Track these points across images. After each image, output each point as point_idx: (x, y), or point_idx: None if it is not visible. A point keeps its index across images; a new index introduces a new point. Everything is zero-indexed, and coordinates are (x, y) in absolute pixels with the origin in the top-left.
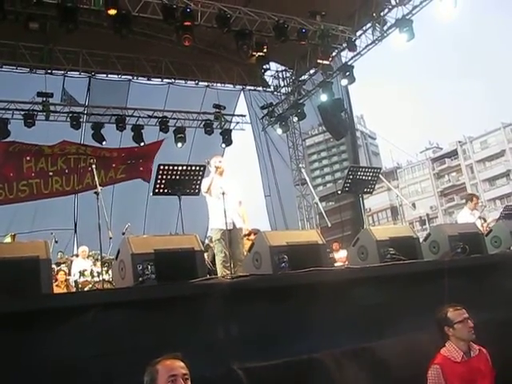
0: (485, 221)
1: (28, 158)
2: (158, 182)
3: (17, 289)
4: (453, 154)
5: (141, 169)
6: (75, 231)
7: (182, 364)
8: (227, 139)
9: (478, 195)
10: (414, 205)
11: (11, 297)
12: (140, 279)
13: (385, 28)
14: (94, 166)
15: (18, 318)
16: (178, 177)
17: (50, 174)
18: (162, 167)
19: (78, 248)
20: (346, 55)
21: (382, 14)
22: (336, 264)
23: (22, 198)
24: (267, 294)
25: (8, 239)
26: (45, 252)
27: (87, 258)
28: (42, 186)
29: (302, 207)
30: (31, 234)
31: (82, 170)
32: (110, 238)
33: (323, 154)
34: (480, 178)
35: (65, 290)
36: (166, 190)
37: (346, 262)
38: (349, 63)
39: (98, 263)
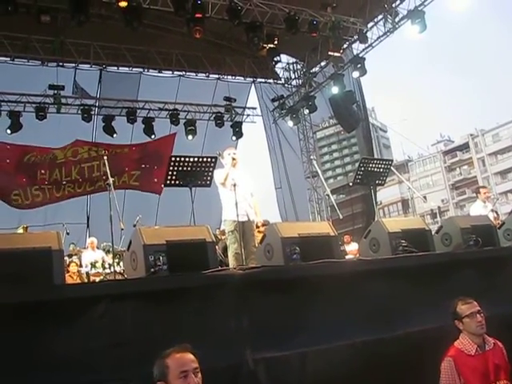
0: (497, 214)
1: (43, 171)
2: (170, 173)
3: (29, 279)
4: (464, 147)
5: (155, 180)
6: (87, 225)
7: (192, 357)
8: (238, 132)
9: (485, 186)
10: (425, 197)
11: (24, 287)
12: (152, 270)
13: (396, 19)
14: (105, 158)
15: (30, 309)
16: (189, 168)
17: (64, 183)
18: (173, 158)
19: None
20: (357, 47)
21: (393, 5)
22: (347, 257)
23: (38, 202)
24: (279, 286)
25: (20, 231)
26: (57, 243)
27: (96, 248)
28: (54, 191)
29: (312, 200)
30: (43, 227)
31: (95, 178)
32: (122, 229)
33: (334, 147)
34: (492, 171)
35: (77, 281)
36: (177, 182)
37: (357, 255)
38: (360, 55)
39: (110, 254)
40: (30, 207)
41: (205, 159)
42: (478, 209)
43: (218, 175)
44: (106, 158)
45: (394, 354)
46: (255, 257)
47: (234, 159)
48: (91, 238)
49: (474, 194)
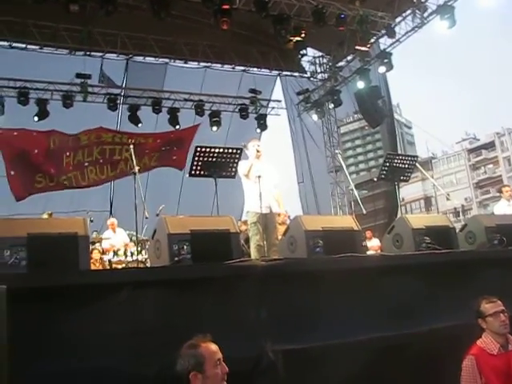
0: None
1: (67, 154)
2: (195, 163)
3: (55, 264)
4: (490, 146)
5: (174, 157)
6: (110, 212)
7: (217, 346)
8: (262, 124)
9: (509, 185)
10: (448, 195)
11: (50, 271)
12: (176, 259)
13: (425, 15)
14: (131, 147)
15: (55, 293)
16: (214, 159)
17: (86, 164)
18: (199, 149)
19: None
20: (384, 42)
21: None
22: (368, 252)
23: (65, 185)
24: (301, 278)
25: (45, 217)
26: (83, 229)
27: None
28: (79, 178)
29: (335, 194)
30: (67, 213)
31: (115, 161)
32: (146, 218)
33: (357, 142)
34: None
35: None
36: (202, 172)
37: (378, 251)
38: (387, 50)
39: (126, 235)
40: (53, 189)
41: (230, 150)
42: (502, 208)
43: (242, 167)
44: (132, 146)
45: (415, 350)
46: (277, 249)
47: (258, 151)
48: (111, 218)
49: (498, 194)
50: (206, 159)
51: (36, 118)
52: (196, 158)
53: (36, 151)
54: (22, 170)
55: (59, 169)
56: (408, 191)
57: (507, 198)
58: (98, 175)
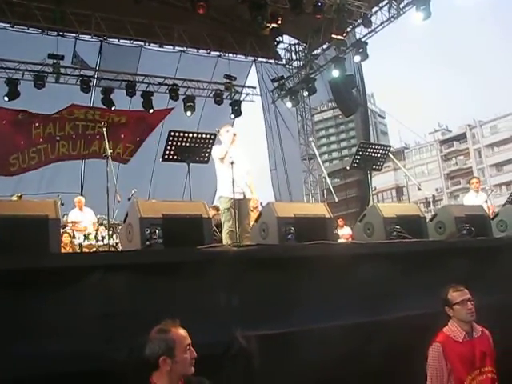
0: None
1: (37, 125)
2: (168, 148)
3: (25, 247)
4: (462, 138)
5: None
6: (81, 194)
7: (185, 331)
8: (237, 110)
9: (477, 177)
10: (419, 185)
11: (20, 254)
12: (147, 243)
13: (401, 5)
14: (104, 130)
15: (25, 276)
16: (188, 144)
17: (57, 138)
18: (172, 133)
19: None
20: (360, 31)
21: None
22: (339, 240)
23: (33, 165)
24: (272, 265)
25: (14, 199)
26: (54, 212)
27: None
28: (49, 151)
29: (307, 182)
30: (37, 195)
31: (89, 136)
32: (118, 202)
33: (331, 131)
34: (487, 162)
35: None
36: (175, 157)
37: (349, 239)
38: (363, 39)
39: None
40: (25, 170)
41: (204, 135)
42: (470, 199)
43: (218, 151)
44: (105, 129)
45: (384, 337)
46: (249, 235)
47: (234, 135)
48: (78, 196)
49: (468, 185)
50: (179, 144)
51: (6, 98)
52: (169, 143)
53: (4, 122)
54: None
55: (28, 141)
56: (380, 180)
57: (475, 189)
58: (69, 151)
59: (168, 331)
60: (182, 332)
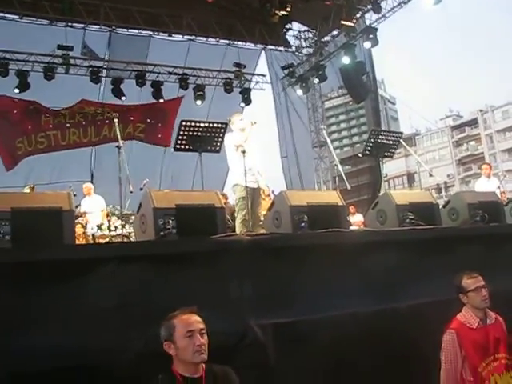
0: (504, 191)
1: (47, 115)
2: (180, 138)
3: (40, 239)
4: (473, 123)
5: (159, 135)
6: (91, 182)
7: (198, 319)
8: (246, 98)
9: (487, 163)
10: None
11: (34, 246)
12: (161, 233)
13: None
14: (116, 120)
15: (40, 267)
16: (199, 133)
17: (68, 125)
18: (184, 123)
19: None
20: (370, 17)
21: None
22: (351, 227)
23: (41, 149)
24: (286, 253)
25: (27, 190)
26: (68, 203)
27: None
28: (59, 137)
29: (319, 169)
30: (49, 185)
31: (99, 122)
32: (131, 192)
33: (342, 118)
34: (499, 148)
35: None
36: (187, 147)
37: (361, 226)
38: (373, 25)
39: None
40: (31, 154)
41: (215, 125)
42: (482, 184)
43: (235, 139)
44: (116, 120)
45: (397, 325)
46: (262, 224)
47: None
48: (86, 183)
49: (480, 170)
50: (191, 133)
51: (17, 90)
52: (181, 133)
53: (15, 111)
54: (4, 136)
55: (37, 126)
56: (391, 167)
57: (486, 175)
58: (80, 138)
59: (172, 317)
60: (186, 317)
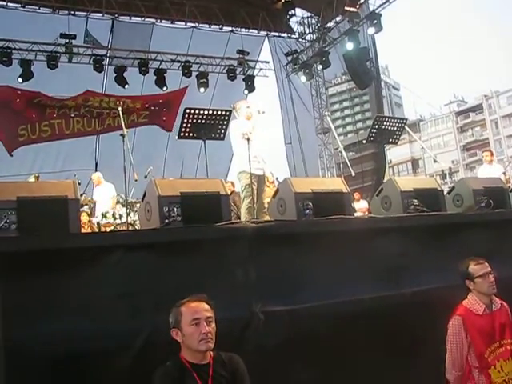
0: (508, 177)
1: (52, 108)
2: (184, 125)
3: (45, 227)
4: (478, 108)
5: (164, 118)
6: (96, 170)
7: (206, 307)
8: (250, 85)
9: (488, 149)
10: (435, 157)
11: (40, 235)
12: (166, 221)
13: None
14: (119, 109)
15: (46, 256)
16: (203, 121)
17: (72, 115)
18: (188, 111)
19: None
20: (374, 3)
21: None
22: (356, 214)
23: (45, 137)
24: (291, 240)
25: (32, 179)
26: (73, 192)
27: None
28: (63, 126)
29: (323, 156)
30: (54, 174)
31: (103, 115)
32: (136, 181)
33: (345, 104)
34: (504, 133)
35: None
36: (191, 134)
37: (366, 213)
38: (376, 11)
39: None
40: (34, 141)
41: (220, 112)
42: (484, 171)
43: (245, 126)
44: (120, 109)
45: (402, 311)
46: (267, 211)
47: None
48: (95, 173)
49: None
50: (195, 121)
51: (20, 80)
52: (185, 120)
53: (18, 100)
54: (4, 122)
55: (41, 116)
56: (395, 153)
57: (488, 162)
58: (84, 127)
59: (181, 305)
60: (194, 305)
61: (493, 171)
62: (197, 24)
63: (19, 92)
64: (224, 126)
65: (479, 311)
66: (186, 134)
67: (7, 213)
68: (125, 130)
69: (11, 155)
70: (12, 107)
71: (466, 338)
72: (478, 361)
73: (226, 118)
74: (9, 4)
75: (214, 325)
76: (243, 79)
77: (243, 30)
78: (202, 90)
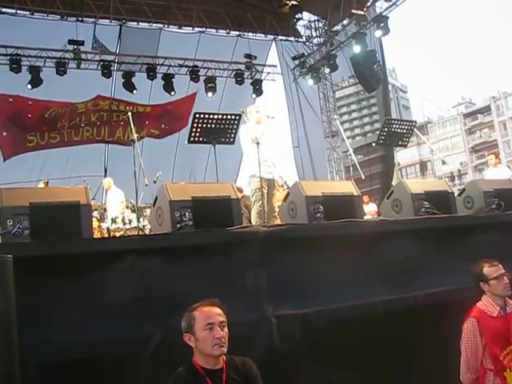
0: None
1: (63, 121)
2: (194, 130)
3: (58, 233)
4: (486, 110)
5: (161, 126)
6: (105, 176)
7: (219, 311)
8: (258, 89)
9: (493, 152)
10: (444, 159)
11: (53, 240)
12: (177, 226)
13: None
14: (129, 114)
15: (58, 261)
16: (213, 125)
17: (82, 125)
18: (197, 115)
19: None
20: (380, 5)
21: None
22: (365, 217)
23: (54, 144)
24: (302, 244)
25: (41, 185)
26: (85, 197)
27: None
28: (72, 134)
29: (331, 159)
30: (63, 180)
31: (113, 123)
32: (146, 185)
33: (353, 107)
34: None
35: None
36: (201, 139)
37: (375, 216)
38: (383, 14)
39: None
40: (43, 147)
41: (229, 116)
42: (490, 175)
43: (255, 131)
44: (130, 113)
45: (414, 314)
46: (277, 215)
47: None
48: (105, 179)
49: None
50: (204, 126)
51: (29, 86)
52: (195, 125)
53: (29, 116)
54: (14, 131)
55: (52, 128)
56: (403, 156)
57: (493, 165)
58: (93, 135)
59: (193, 309)
60: (207, 310)
61: (500, 174)
62: (204, 29)
63: (30, 103)
64: (234, 130)
65: (494, 313)
66: (196, 139)
67: (20, 218)
68: (135, 135)
69: (5, 160)
70: (23, 121)
71: (480, 341)
72: (493, 363)
73: (236, 122)
74: (18, 12)
75: (226, 329)
76: (251, 83)
77: (250, 34)
78: (210, 94)
